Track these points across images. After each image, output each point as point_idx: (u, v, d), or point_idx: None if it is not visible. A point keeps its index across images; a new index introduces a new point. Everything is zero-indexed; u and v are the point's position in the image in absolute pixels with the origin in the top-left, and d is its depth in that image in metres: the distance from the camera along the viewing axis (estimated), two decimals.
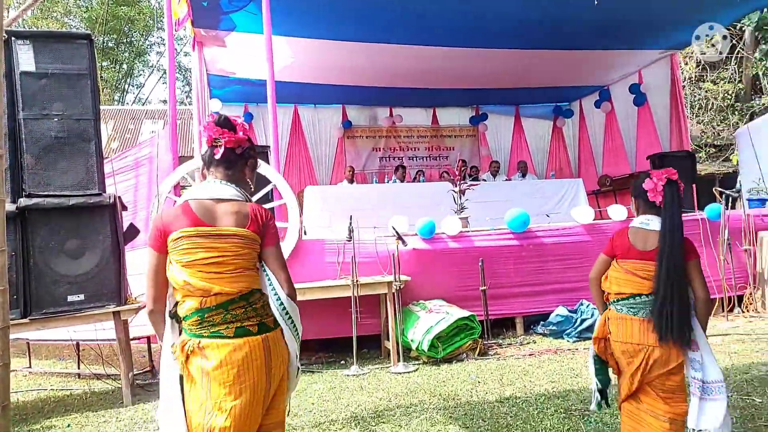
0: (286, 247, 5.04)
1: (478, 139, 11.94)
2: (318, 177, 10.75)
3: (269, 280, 1.78)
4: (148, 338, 5.15)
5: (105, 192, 4.33)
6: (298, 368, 1.86)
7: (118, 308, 4.19)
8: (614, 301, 2.29)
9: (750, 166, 7.09)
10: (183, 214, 1.71)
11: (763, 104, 14.52)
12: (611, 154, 11.01)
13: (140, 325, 5.01)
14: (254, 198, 4.95)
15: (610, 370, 2.39)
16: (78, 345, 5.13)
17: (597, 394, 2.42)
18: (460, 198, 6.51)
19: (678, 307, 2.09)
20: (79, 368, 5.10)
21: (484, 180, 9.62)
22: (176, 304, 1.74)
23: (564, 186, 8.41)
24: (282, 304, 1.74)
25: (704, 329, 2.18)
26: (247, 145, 1.84)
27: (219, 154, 1.77)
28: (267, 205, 5.11)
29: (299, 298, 4.44)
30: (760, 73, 14.00)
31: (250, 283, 1.72)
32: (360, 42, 7.68)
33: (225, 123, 1.79)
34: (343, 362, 5.00)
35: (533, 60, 8.67)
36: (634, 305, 2.22)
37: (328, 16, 6.89)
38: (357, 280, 4.82)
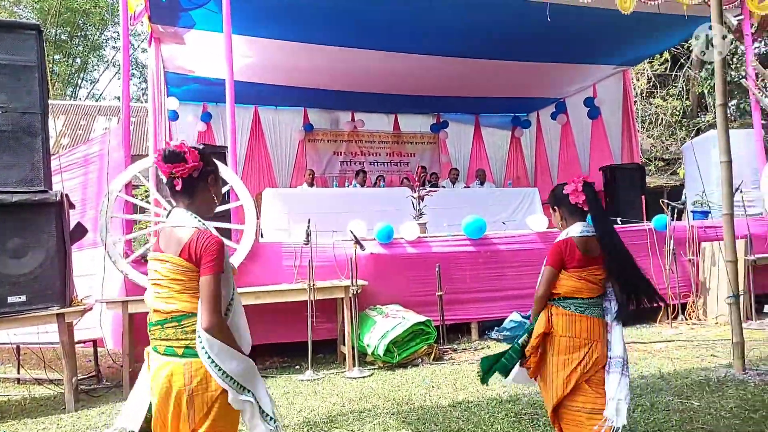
0: (242, 249, 4.96)
1: (438, 146, 12.08)
2: (278, 179, 10.63)
3: None
4: (95, 342, 4.96)
5: (51, 189, 4.16)
6: (265, 415, 1.74)
7: (62, 310, 4.03)
8: (560, 299, 2.37)
9: (695, 180, 7.43)
10: (157, 240, 1.89)
11: (708, 121, 15.25)
12: (566, 165, 11.33)
13: (86, 328, 4.84)
14: None
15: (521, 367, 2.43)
16: (18, 348, 4.90)
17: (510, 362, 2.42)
18: (419, 204, 6.56)
19: (644, 285, 2.32)
20: (18, 373, 4.87)
21: (444, 187, 9.73)
22: None
23: (520, 195, 8.60)
24: (200, 337, 1.70)
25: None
26: (201, 165, 1.85)
27: (179, 186, 1.83)
28: (222, 207, 5.02)
29: (254, 301, 4.38)
30: (706, 92, 14.71)
31: (184, 306, 1.75)
32: (321, 45, 7.67)
33: (172, 157, 1.81)
34: (297, 367, 4.95)
35: (493, 70, 8.86)
36: (582, 305, 2.34)
37: (289, 18, 6.86)
38: (313, 284, 4.78)
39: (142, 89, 23.57)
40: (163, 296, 1.76)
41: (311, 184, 9.57)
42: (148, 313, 1.84)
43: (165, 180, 1.86)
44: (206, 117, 10.08)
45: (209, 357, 1.69)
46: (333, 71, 8.64)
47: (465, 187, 10.40)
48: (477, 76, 9.09)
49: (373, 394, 3.97)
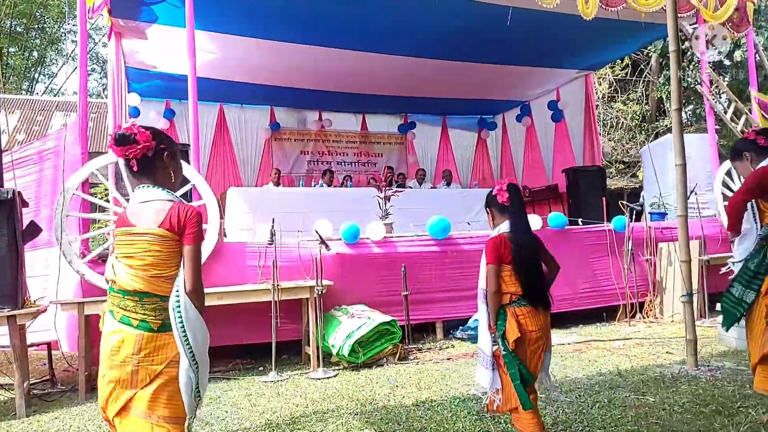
0: (205, 249, 4.86)
1: (406, 147, 12.13)
2: (243, 179, 10.50)
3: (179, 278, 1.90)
4: (49, 344, 4.78)
5: (2, 186, 4.00)
6: (196, 391, 1.87)
7: (13, 312, 3.87)
8: (515, 301, 2.52)
9: (652, 182, 7.66)
10: (120, 217, 1.97)
11: (666, 125, 15.75)
12: (531, 167, 11.54)
13: (40, 330, 4.66)
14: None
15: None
16: None
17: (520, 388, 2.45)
18: (386, 204, 6.56)
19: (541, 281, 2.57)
20: None
21: (410, 187, 9.77)
22: None
23: (485, 196, 8.69)
24: (178, 300, 1.83)
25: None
26: (154, 144, 1.92)
27: (136, 167, 1.92)
28: None
29: (217, 302, 4.30)
30: (664, 97, 15.19)
31: (149, 288, 1.86)
32: (287, 43, 7.60)
33: (123, 140, 1.88)
34: (261, 369, 4.89)
35: (460, 71, 8.95)
36: (524, 298, 2.54)
37: (254, 14, 6.77)
38: (278, 285, 4.73)
39: (103, 85, 22.91)
40: (133, 272, 1.85)
41: (277, 184, 9.47)
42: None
43: (123, 162, 1.94)
44: (169, 114, 9.86)
45: (182, 323, 1.82)
46: (300, 70, 8.58)
47: (432, 187, 10.47)
48: (444, 77, 9.17)
49: (337, 395, 3.95)
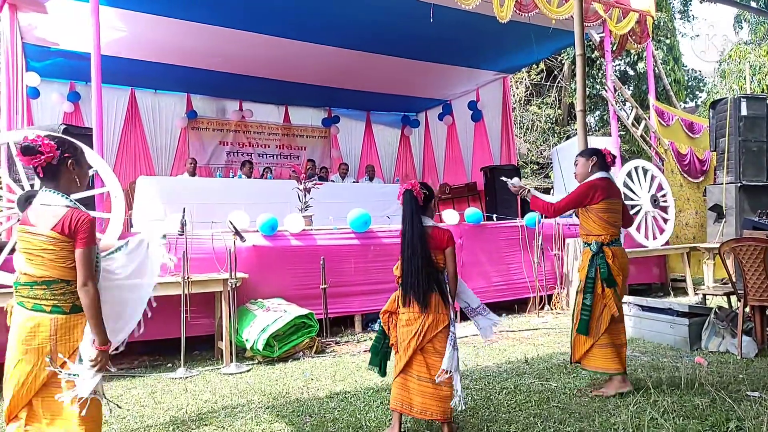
0: (107, 239, 4.56)
1: (329, 141, 12.05)
2: (156, 168, 9.99)
3: None
4: None
5: None
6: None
7: None
8: (400, 284, 2.90)
9: (561, 182, 8.09)
10: (24, 215, 2.18)
11: (576, 129, 16.71)
12: (451, 164, 11.84)
13: None
14: None
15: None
16: None
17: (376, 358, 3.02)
18: (305, 196, 6.48)
19: (424, 279, 2.78)
20: None
21: (332, 181, 9.71)
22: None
23: None
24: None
25: (453, 294, 2.91)
26: (58, 154, 2.14)
27: (41, 173, 2.14)
28: (86, 193, 4.59)
29: None
30: (575, 102, 16.09)
31: (53, 273, 2.09)
32: (205, 24, 7.29)
33: (27, 151, 2.10)
34: (170, 365, 4.66)
35: (382, 65, 9.00)
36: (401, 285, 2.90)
37: None
38: (188, 277, 4.53)
39: None
40: (36, 263, 2.08)
41: (193, 174, 9.10)
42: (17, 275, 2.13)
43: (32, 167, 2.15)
44: (74, 97, 9.19)
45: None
46: (218, 54, 8.25)
47: (354, 182, 10.46)
48: (367, 70, 9.18)
49: (249, 389, 3.84)
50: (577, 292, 3.65)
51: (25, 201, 4.34)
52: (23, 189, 4.40)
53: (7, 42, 6.37)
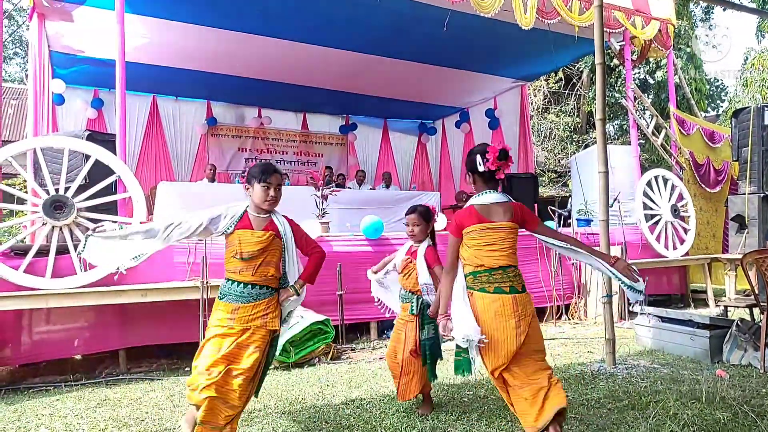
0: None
1: (347, 148, 12.11)
2: (176, 174, 10.14)
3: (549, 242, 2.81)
4: None
5: None
6: None
7: None
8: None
9: (580, 190, 8.02)
10: (470, 215, 2.58)
11: (595, 137, 16.57)
12: None
13: None
14: (95, 189, 4.49)
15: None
16: None
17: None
18: (323, 203, 6.52)
19: None
20: None
21: (349, 188, 9.75)
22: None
23: (422, 198, 8.82)
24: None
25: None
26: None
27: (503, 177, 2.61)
28: (109, 198, 4.68)
29: (140, 299, 4.16)
30: (593, 110, 15.99)
31: (509, 260, 2.55)
32: (225, 30, 7.41)
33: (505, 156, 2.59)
34: (188, 369, 4.70)
35: (401, 70, 9.01)
36: None
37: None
38: (207, 282, 4.59)
39: (27, 71, 21.50)
40: (496, 253, 2.58)
41: (212, 180, 9.20)
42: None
43: (486, 170, 2.60)
44: (97, 103, 9.38)
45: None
46: (238, 59, 8.37)
47: (371, 189, 10.49)
48: (385, 75, 9.22)
49: (265, 394, 3.86)
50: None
51: (51, 205, 4.43)
52: (48, 194, 4.49)
53: (35, 50, 6.54)
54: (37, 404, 3.76)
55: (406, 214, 3.43)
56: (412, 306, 3.33)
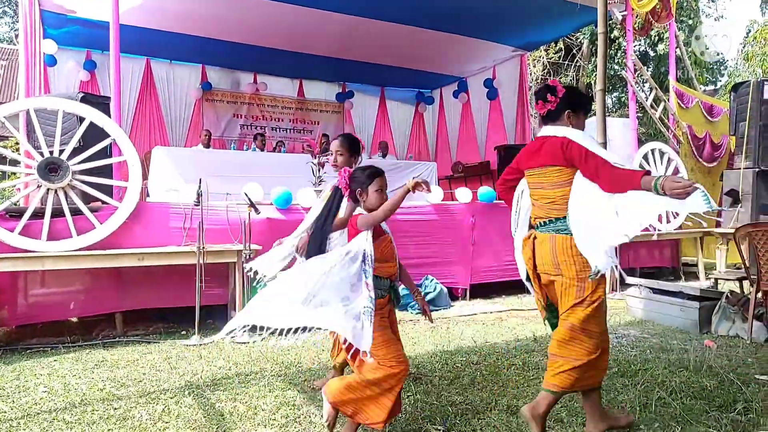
0: (125, 208, 4.63)
1: (343, 116, 12.00)
2: (171, 138, 10.03)
3: None
4: None
5: None
6: None
7: None
8: None
9: None
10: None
11: (593, 109, 16.50)
12: (465, 143, 11.76)
13: None
14: (89, 152, 4.45)
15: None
16: None
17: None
18: (319, 171, 6.48)
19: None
20: None
21: None
22: None
23: (419, 168, 8.78)
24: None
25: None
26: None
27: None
28: (104, 162, 4.65)
29: (137, 263, 4.18)
30: (593, 82, 15.85)
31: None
32: None
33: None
34: (184, 333, 4.76)
35: (397, 34, 8.82)
36: None
37: None
38: (203, 247, 4.60)
39: (16, 31, 20.97)
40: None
41: (207, 146, 9.12)
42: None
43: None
44: (90, 65, 9.21)
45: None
46: (233, 22, 8.18)
47: (368, 158, 10.43)
48: (382, 41, 9.03)
49: (262, 358, 3.92)
50: None
51: (45, 168, 4.39)
52: (42, 156, 4.45)
53: (25, 8, 6.38)
54: (35, 364, 3.80)
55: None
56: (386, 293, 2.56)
